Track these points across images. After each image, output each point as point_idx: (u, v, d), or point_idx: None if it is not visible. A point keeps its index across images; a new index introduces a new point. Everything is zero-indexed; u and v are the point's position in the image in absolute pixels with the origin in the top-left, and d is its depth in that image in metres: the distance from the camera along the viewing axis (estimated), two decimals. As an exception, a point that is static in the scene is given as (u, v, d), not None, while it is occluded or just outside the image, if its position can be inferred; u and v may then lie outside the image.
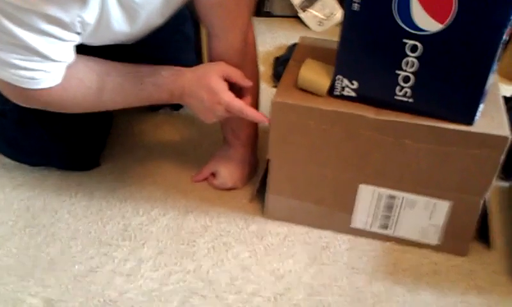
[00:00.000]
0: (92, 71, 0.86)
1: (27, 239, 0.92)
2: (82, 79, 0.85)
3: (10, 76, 0.77)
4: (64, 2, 0.72)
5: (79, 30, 0.78)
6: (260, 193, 0.98)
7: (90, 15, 0.77)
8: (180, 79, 0.90)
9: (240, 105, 0.89)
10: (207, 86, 0.89)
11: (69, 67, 0.82)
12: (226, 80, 0.90)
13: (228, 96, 0.89)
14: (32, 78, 0.78)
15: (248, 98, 0.93)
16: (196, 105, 0.91)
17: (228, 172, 1.02)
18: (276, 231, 0.94)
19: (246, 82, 0.92)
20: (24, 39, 0.72)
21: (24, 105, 0.85)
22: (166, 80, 0.90)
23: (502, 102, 0.85)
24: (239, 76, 0.92)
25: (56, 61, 0.78)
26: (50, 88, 0.81)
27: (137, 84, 0.89)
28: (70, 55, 0.81)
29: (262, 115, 0.91)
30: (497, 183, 1.04)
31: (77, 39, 0.80)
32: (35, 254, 0.89)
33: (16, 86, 0.79)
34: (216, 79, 0.89)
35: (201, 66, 0.93)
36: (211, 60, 0.95)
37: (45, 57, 0.76)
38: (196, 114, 0.93)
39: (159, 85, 0.90)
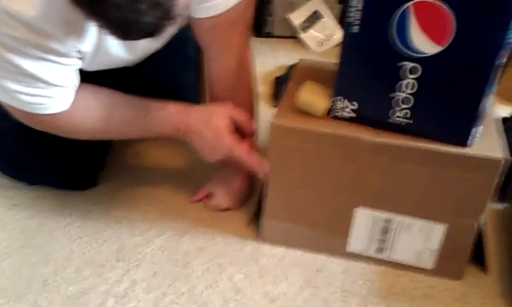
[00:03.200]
0: (100, 103, 0.87)
1: (21, 260, 0.91)
2: (90, 109, 0.86)
3: (19, 103, 0.79)
4: (62, 38, 0.73)
5: (76, 57, 0.79)
6: (256, 215, 0.97)
7: (87, 44, 0.78)
8: (187, 117, 0.92)
9: (240, 154, 0.92)
10: (212, 126, 0.91)
11: (78, 96, 0.83)
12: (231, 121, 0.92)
13: (231, 141, 0.91)
14: (39, 104, 0.80)
15: (250, 140, 0.95)
16: (200, 143, 0.93)
17: (223, 193, 1.02)
18: (271, 252, 0.94)
19: (251, 126, 0.94)
20: (24, 67, 0.73)
21: (36, 128, 0.86)
22: (173, 116, 0.92)
23: (499, 123, 0.85)
24: (244, 119, 0.93)
25: (59, 86, 0.80)
26: (59, 114, 0.82)
27: (143, 118, 0.91)
28: (73, 79, 0.82)
29: (261, 165, 0.91)
30: (492, 205, 1.03)
31: (78, 63, 0.81)
32: (29, 275, 0.88)
33: (26, 111, 0.80)
34: (222, 120, 0.91)
35: (208, 106, 0.95)
36: (208, 81, 0.95)
37: (47, 83, 0.77)
38: (198, 152, 0.94)
39: (165, 119, 0.92)
